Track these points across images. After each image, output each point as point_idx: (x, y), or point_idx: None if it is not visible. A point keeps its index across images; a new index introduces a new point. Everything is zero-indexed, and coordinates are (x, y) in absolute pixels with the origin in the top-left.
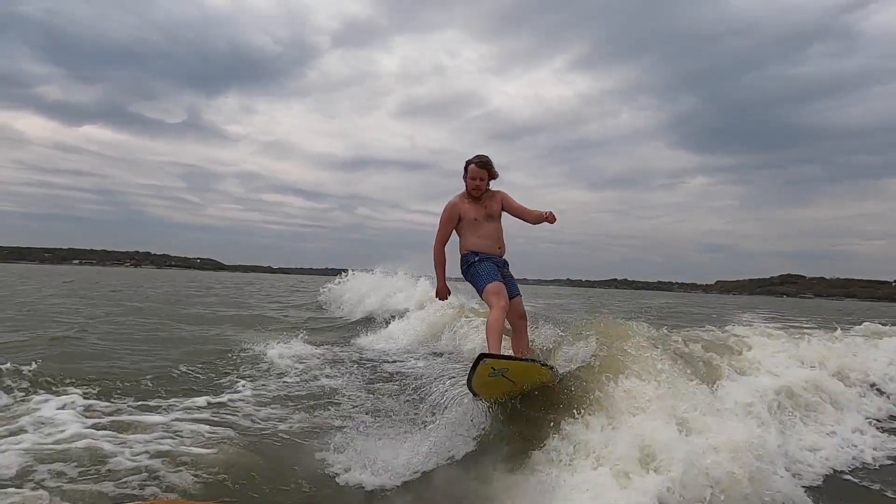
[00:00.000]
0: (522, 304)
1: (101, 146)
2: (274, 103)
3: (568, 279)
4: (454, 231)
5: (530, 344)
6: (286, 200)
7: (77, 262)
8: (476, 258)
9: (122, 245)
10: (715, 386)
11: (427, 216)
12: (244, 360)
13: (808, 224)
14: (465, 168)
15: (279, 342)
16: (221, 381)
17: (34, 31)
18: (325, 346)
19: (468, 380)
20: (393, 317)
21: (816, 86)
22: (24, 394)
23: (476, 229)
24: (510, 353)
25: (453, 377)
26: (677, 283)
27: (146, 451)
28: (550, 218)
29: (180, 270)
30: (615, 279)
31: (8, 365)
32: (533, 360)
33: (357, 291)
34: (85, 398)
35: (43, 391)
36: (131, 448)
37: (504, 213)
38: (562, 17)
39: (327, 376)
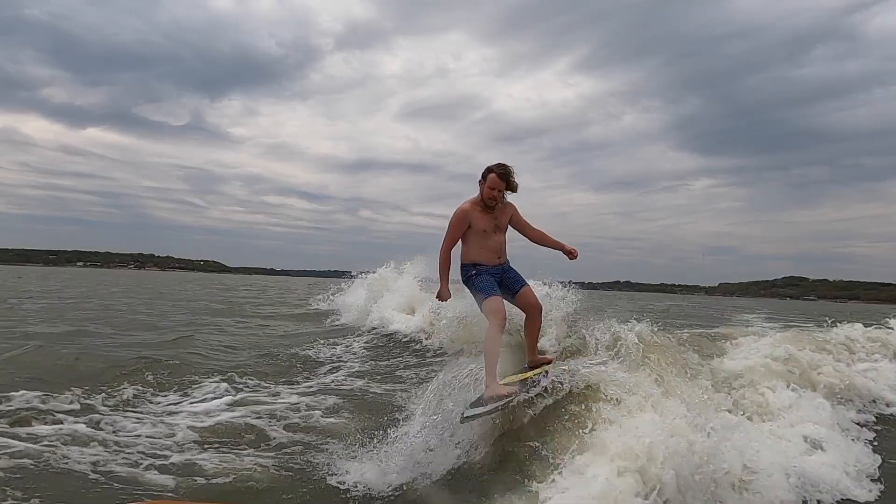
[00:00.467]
0: (533, 293)
1: (106, 149)
2: (277, 105)
3: (570, 281)
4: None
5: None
6: (289, 203)
7: (81, 264)
8: (474, 271)
9: (125, 247)
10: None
11: (431, 219)
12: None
13: (813, 226)
14: (484, 175)
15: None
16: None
17: (39, 34)
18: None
19: (467, 418)
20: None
21: (821, 88)
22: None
23: (482, 240)
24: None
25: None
26: (680, 285)
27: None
28: (574, 253)
29: (184, 273)
30: (618, 281)
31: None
32: (507, 399)
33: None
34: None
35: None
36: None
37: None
38: (565, 19)
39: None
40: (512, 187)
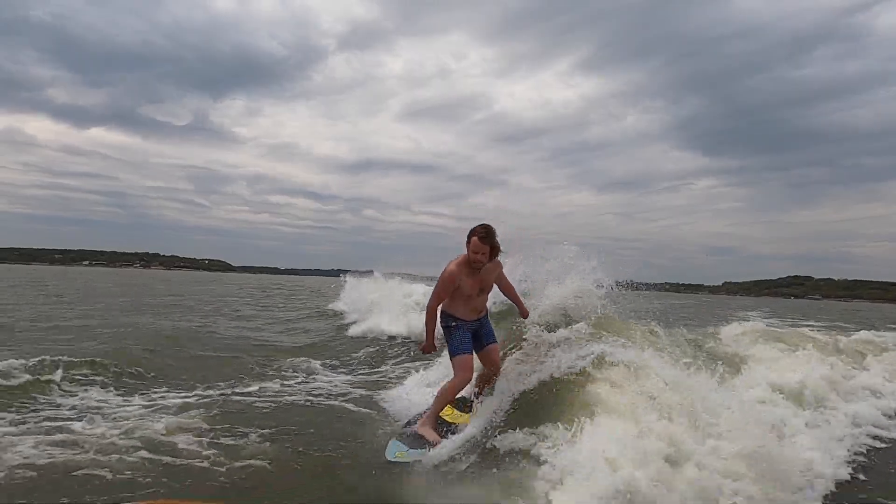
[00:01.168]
0: (498, 354)
1: (110, 149)
2: (279, 106)
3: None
4: None
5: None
6: (293, 202)
7: (87, 263)
8: (454, 323)
9: (129, 246)
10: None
11: (434, 217)
12: None
13: (813, 226)
14: (469, 238)
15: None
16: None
17: (43, 34)
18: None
19: (388, 457)
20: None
21: (822, 88)
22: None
23: (467, 302)
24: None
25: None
26: (684, 284)
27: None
28: (525, 315)
29: (189, 272)
30: (620, 282)
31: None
32: (430, 444)
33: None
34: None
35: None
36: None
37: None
38: (567, 19)
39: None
40: (494, 251)
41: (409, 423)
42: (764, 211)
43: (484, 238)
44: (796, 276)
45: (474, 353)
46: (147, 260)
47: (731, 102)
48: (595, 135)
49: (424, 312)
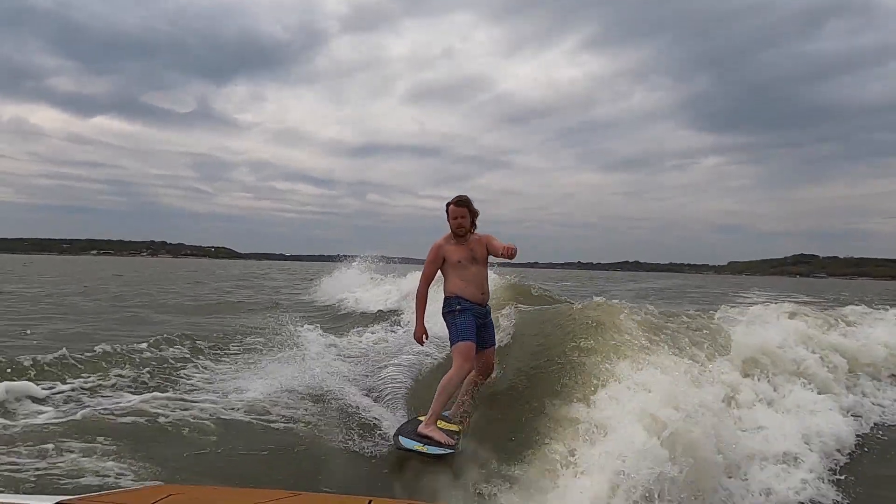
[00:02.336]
0: (493, 357)
1: (114, 137)
2: (283, 91)
3: (579, 262)
4: (440, 271)
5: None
6: (297, 188)
7: (95, 252)
8: (458, 307)
9: (137, 235)
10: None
11: (438, 201)
12: None
13: (824, 203)
14: (446, 209)
15: None
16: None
17: (46, 23)
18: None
19: (397, 445)
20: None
21: (834, 62)
22: None
23: (460, 271)
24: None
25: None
26: (689, 264)
27: None
28: (506, 253)
29: (196, 259)
30: (627, 261)
31: None
32: (438, 445)
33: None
34: None
35: None
36: None
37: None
38: None
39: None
40: (472, 214)
41: (409, 422)
42: (773, 188)
43: (459, 203)
44: (802, 254)
45: (476, 351)
46: (154, 248)
47: (741, 79)
48: (602, 114)
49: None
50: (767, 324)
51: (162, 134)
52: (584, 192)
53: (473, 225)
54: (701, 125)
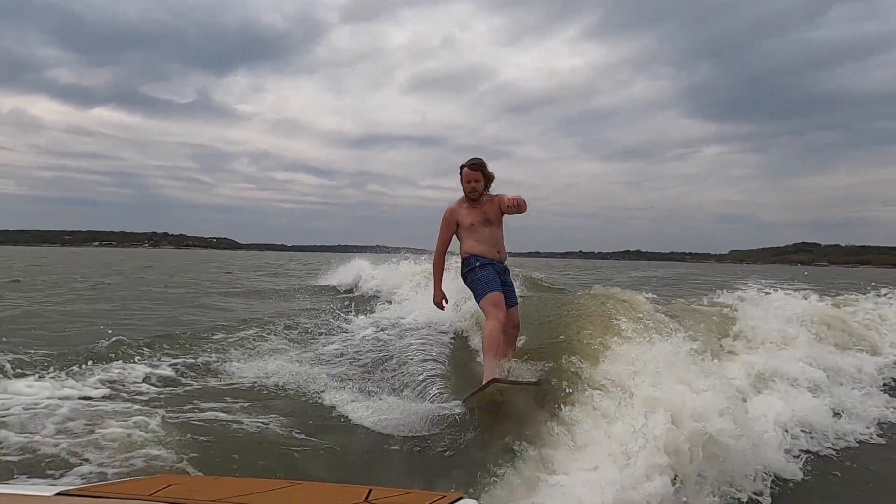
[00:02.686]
0: (518, 314)
1: (114, 129)
2: (283, 81)
3: (581, 251)
4: (455, 236)
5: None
6: (298, 178)
7: (97, 244)
8: (477, 263)
9: (138, 226)
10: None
11: (439, 191)
12: None
13: (826, 192)
14: (460, 173)
15: None
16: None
17: (45, 15)
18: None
19: (469, 397)
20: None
21: (838, 50)
22: None
23: (474, 233)
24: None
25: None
26: (690, 253)
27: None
28: (512, 203)
29: (198, 250)
30: (628, 251)
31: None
32: (534, 383)
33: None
34: None
35: None
36: None
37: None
38: None
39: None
40: (487, 178)
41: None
42: (775, 177)
43: (473, 166)
44: (803, 242)
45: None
46: (156, 240)
47: (744, 67)
48: (603, 103)
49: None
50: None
51: (162, 125)
52: (585, 182)
53: (487, 188)
54: (703, 114)
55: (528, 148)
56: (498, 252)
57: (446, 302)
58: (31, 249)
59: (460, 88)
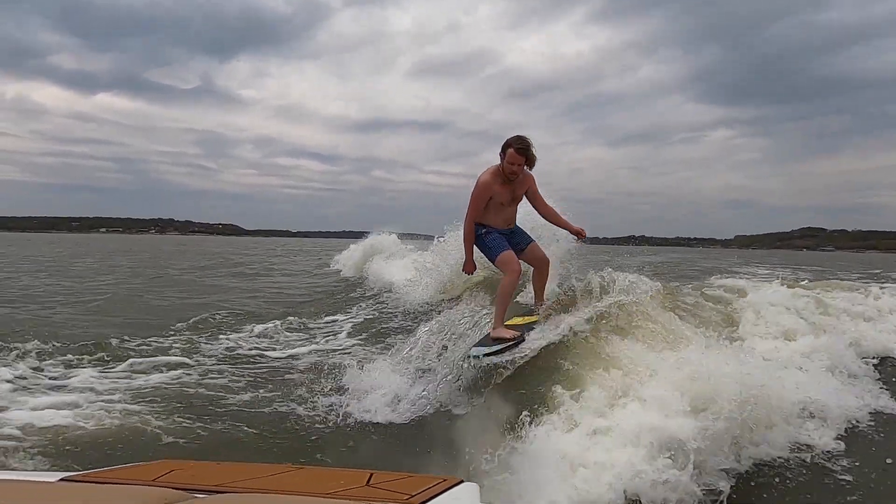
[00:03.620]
0: (540, 248)
1: (117, 115)
2: (286, 66)
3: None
4: None
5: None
6: (302, 164)
7: (104, 230)
8: (484, 230)
9: (143, 212)
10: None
11: (443, 177)
12: None
13: (833, 177)
14: (504, 149)
15: None
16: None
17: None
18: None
19: (467, 355)
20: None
21: (846, 33)
22: None
23: (498, 211)
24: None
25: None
26: (696, 238)
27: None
28: (582, 234)
29: (205, 236)
30: (633, 236)
31: None
32: (517, 342)
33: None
34: None
35: None
36: None
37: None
38: None
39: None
40: (530, 161)
41: (484, 339)
42: (782, 162)
43: (521, 150)
44: (809, 227)
45: (520, 256)
46: (162, 226)
47: (751, 51)
48: (608, 88)
49: (462, 232)
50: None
51: (165, 111)
52: (590, 167)
53: (529, 168)
54: (710, 99)
55: (533, 133)
56: (508, 225)
57: (475, 269)
58: (39, 236)
59: (465, 73)
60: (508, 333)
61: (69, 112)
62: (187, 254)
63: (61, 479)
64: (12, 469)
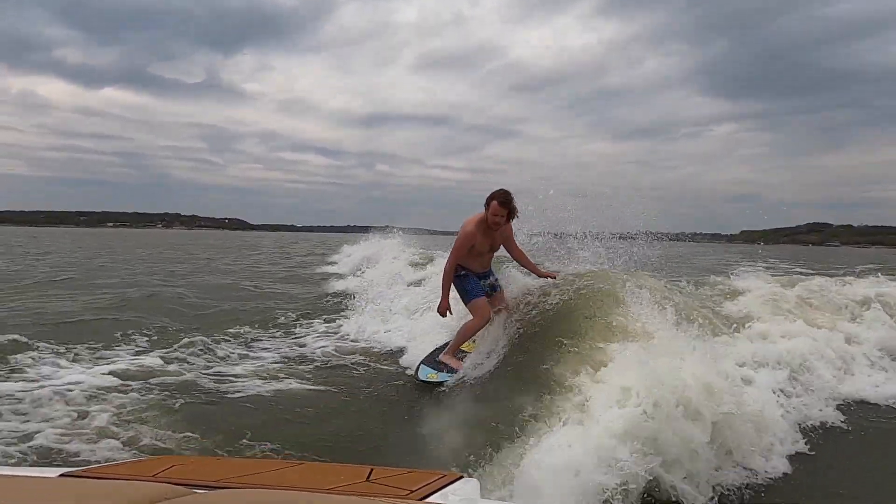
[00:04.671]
0: (505, 297)
1: (123, 109)
2: (290, 59)
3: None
4: None
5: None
6: (306, 158)
7: (112, 224)
8: (463, 272)
9: (149, 207)
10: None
11: (447, 171)
12: None
13: (840, 171)
14: (488, 202)
15: None
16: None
17: None
18: None
19: (416, 369)
20: None
21: (854, 25)
22: None
23: (476, 258)
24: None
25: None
26: (700, 233)
27: None
28: (553, 277)
29: (210, 231)
30: (635, 232)
31: None
32: (456, 371)
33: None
34: None
35: None
36: None
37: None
38: None
39: None
40: (512, 214)
41: (434, 352)
42: (788, 156)
43: (503, 203)
44: (815, 223)
45: (488, 299)
46: (168, 220)
47: (758, 44)
48: (614, 81)
49: (442, 273)
50: None
51: (170, 105)
52: (596, 161)
53: (509, 221)
54: (716, 92)
55: (538, 126)
56: (483, 268)
57: (450, 313)
58: (48, 230)
59: (469, 66)
60: (455, 364)
61: (74, 106)
62: (226, 249)
63: (61, 475)
64: (12, 465)
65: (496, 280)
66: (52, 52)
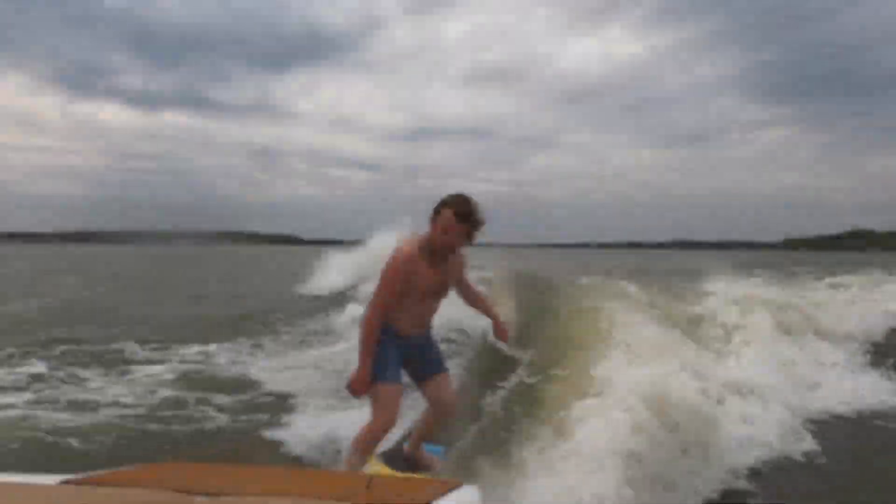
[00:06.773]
0: (449, 386)
1: (180, 131)
2: (341, 78)
3: (629, 242)
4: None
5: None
6: (351, 175)
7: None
8: (384, 336)
9: (208, 225)
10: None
11: (489, 185)
12: None
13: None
14: (437, 209)
15: None
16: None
17: (115, 20)
18: None
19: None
20: None
21: None
22: None
23: (414, 305)
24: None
25: None
26: (739, 241)
27: None
28: (504, 337)
29: (268, 247)
30: (675, 240)
31: None
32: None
33: None
34: None
35: None
36: None
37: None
38: None
39: None
40: (473, 234)
41: (394, 449)
42: (838, 161)
43: (462, 215)
44: (858, 230)
45: (419, 384)
46: (233, 238)
47: (815, 44)
48: (661, 89)
49: (360, 327)
50: None
51: (223, 126)
52: (637, 170)
53: (470, 242)
54: (765, 99)
55: (582, 136)
56: (419, 328)
57: (368, 390)
58: (115, 249)
59: (515, 78)
60: (426, 460)
61: (133, 129)
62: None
63: (62, 482)
64: (13, 471)
65: (439, 352)
66: (114, 77)
